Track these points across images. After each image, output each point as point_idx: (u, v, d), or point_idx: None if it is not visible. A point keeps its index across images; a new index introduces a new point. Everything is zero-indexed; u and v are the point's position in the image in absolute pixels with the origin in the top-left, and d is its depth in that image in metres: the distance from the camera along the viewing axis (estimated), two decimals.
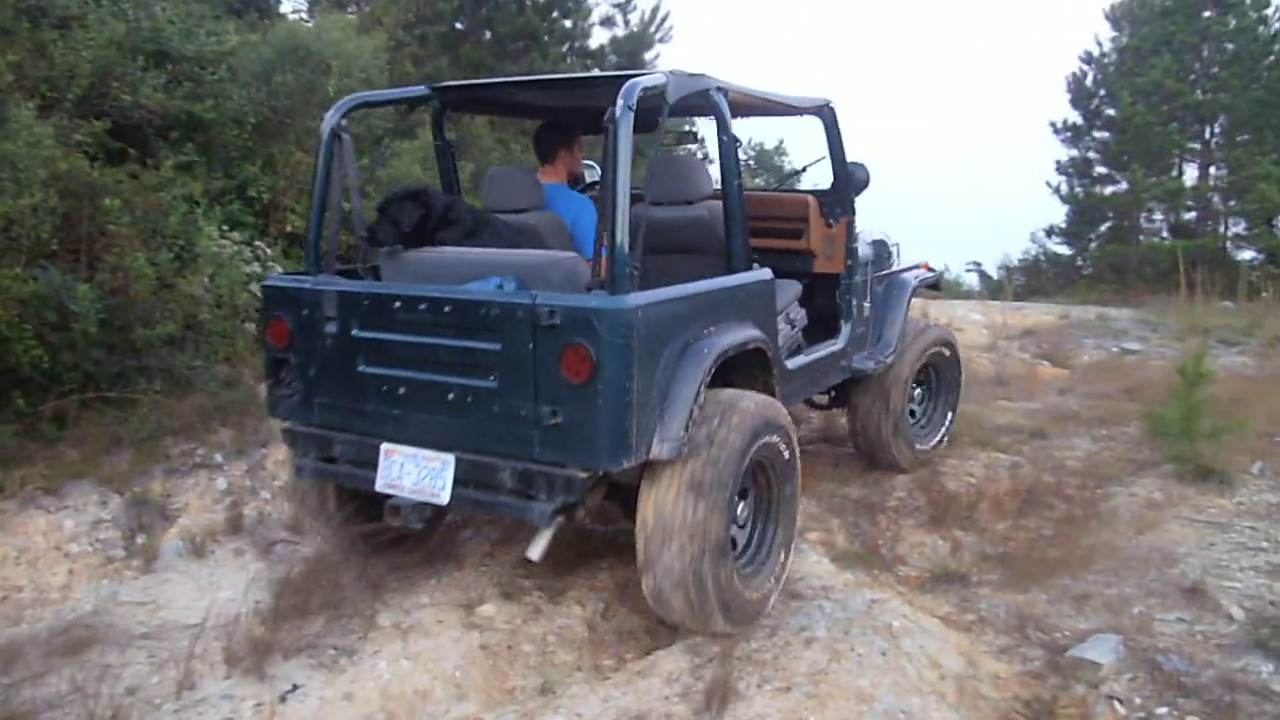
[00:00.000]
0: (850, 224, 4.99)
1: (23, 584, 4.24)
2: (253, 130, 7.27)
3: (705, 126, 8.36)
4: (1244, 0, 19.87)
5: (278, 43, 7.60)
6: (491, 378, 3.32)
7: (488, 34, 14.17)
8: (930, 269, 5.93)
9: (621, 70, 14.32)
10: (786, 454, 3.83)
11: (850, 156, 4.95)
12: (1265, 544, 4.59)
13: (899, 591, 4.23)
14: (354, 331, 3.63)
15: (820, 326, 4.92)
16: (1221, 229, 20.26)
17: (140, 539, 4.61)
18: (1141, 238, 20.95)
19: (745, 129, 4.09)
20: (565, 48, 14.64)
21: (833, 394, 5.52)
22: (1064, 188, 22.30)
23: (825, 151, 4.96)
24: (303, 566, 4.27)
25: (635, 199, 3.38)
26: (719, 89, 3.86)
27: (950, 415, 5.87)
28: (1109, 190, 21.70)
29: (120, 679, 3.41)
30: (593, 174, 5.39)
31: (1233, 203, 19.68)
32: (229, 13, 8.71)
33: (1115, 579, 4.27)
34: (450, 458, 3.45)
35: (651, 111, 3.47)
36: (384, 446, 3.60)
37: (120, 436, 5.07)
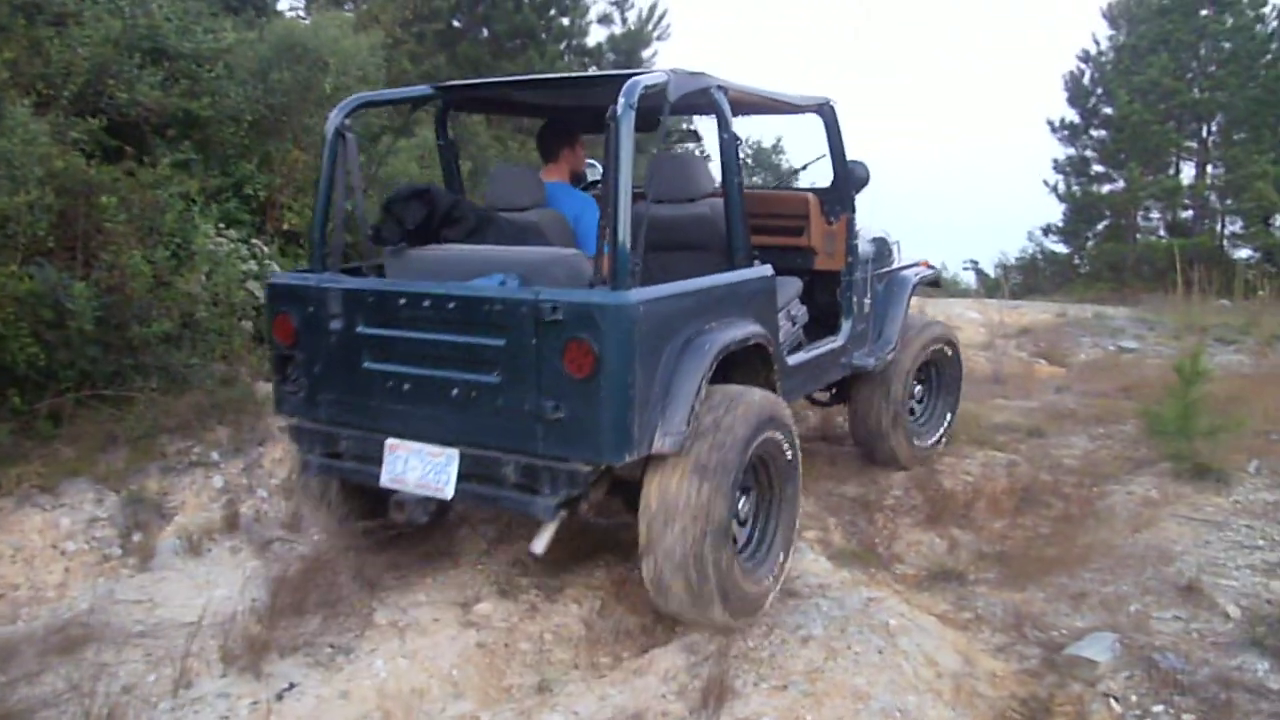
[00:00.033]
0: (850, 221, 5.02)
1: (19, 582, 4.23)
2: (249, 128, 7.25)
3: (702, 125, 8.38)
4: None
5: (274, 40, 7.57)
6: (495, 373, 3.36)
7: (485, 32, 14.15)
8: (930, 266, 5.95)
9: (619, 68, 14.34)
10: (789, 454, 3.86)
11: (850, 155, 4.98)
12: (1261, 542, 4.60)
13: (896, 590, 4.23)
14: (359, 328, 3.67)
15: (821, 323, 4.95)
16: (1218, 227, 20.28)
17: (136, 537, 4.60)
18: (1138, 236, 20.96)
19: (743, 127, 4.14)
20: (563, 45, 14.62)
21: (834, 391, 5.55)
22: (1061, 186, 22.31)
23: (825, 149, 4.99)
24: (299, 565, 4.27)
25: (637, 196, 3.42)
26: (719, 87, 3.89)
27: (950, 414, 5.89)
28: (1106, 189, 21.71)
29: (116, 677, 3.40)
30: (595, 173, 5.42)
31: (1229, 201, 19.69)
32: (226, 10, 8.68)
33: (1112, 577, 4.27)
34: (454, 452, 3.49)
35: (653, 110, 3.51)
36: (388, 442, 3.63)
37: (116, 434, 5.07)
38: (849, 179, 4.98)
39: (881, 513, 5.13)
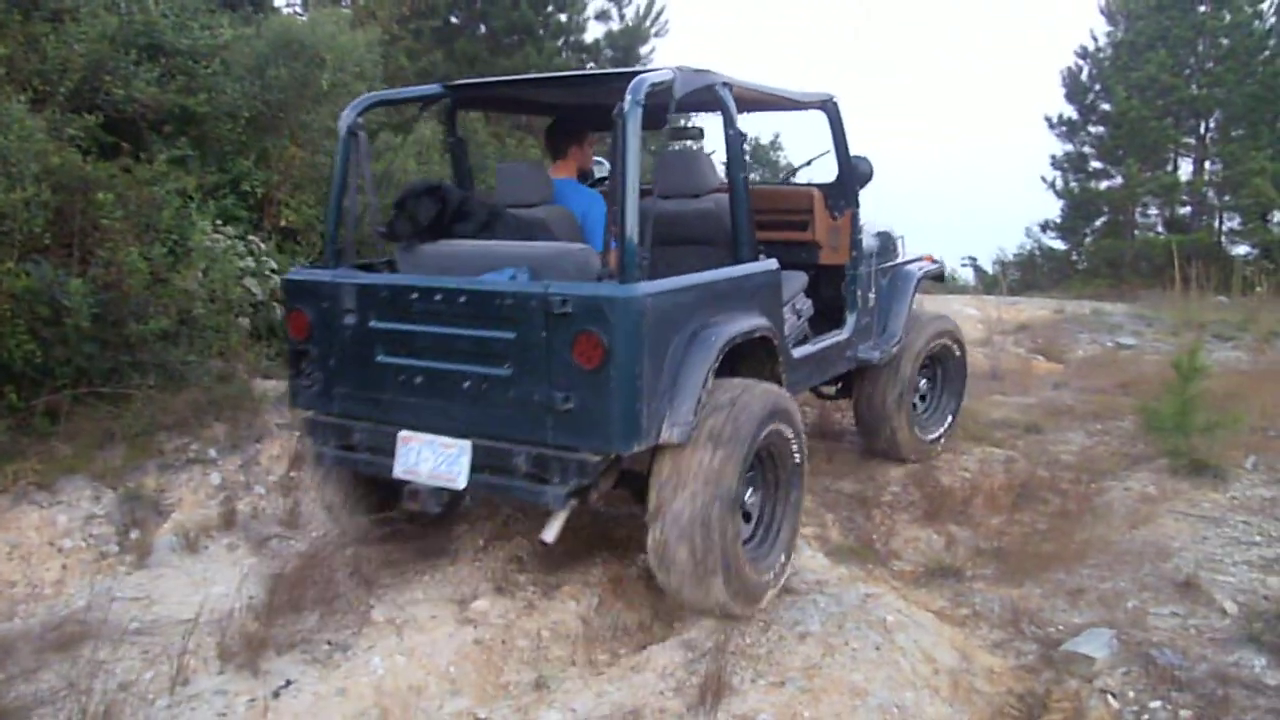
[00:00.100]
0: (855, 216, 5.08)
1: (16, 579, 4.23)
2: (246, 124, 7.24)
3: (701, 121, 8.37)
4: None
5: (271, 36, 7.56)
6: (506, 365, 3.42)
7: (482, 28, 14.12)
8: (934, 260, 6.00)
9: (617, 65, 14.33)
10: (796, 455, 3.94)
11: (853, 151, 5.03)
12: (1258, 538, 4.60)
13: (893, 586, 4.23)
14: (372, 323, 3.74)
15: (826, 317, 5.02)
16: (1216, 224, 20.25)
17: (134, 534, 4.60)
18: (1136, 232, 20.94)
19: (741, 124, 4.21)
20: (560, 42, 14.58)
21: (839, 385, 5.62)
22: (1059, 183, 22.28)
23: (829, 145, 5.04)
24: (297, 562, 4.27)
25: (644, 192, 3.49)
26: (725, 84, 3.96)
27: (954, 409, 5.92)
28: (1104, 185, 21.66)
29: (113, 675, 3.40)
30: (602, 170, 5.49)
31: (1227, 198, 19.66)
32: (222, 6, 8.65)
33: (1109, 573, 4.28)
34: (466, 444, 3.55)
35: (659, 107, 3.55)
36: (401, 434, 3.69)
37: (113, 431, 5.06)
38: (853, 174, 5.03)
39: (879, 509, 5.13)
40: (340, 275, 3.90)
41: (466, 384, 3.53)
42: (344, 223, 4.11)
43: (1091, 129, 22.22)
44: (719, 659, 3.34)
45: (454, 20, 14.07)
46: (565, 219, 4.30)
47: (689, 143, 4.86)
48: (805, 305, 4.82)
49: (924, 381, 5.78)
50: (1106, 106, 21.55)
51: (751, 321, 3.78)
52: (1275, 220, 19.08)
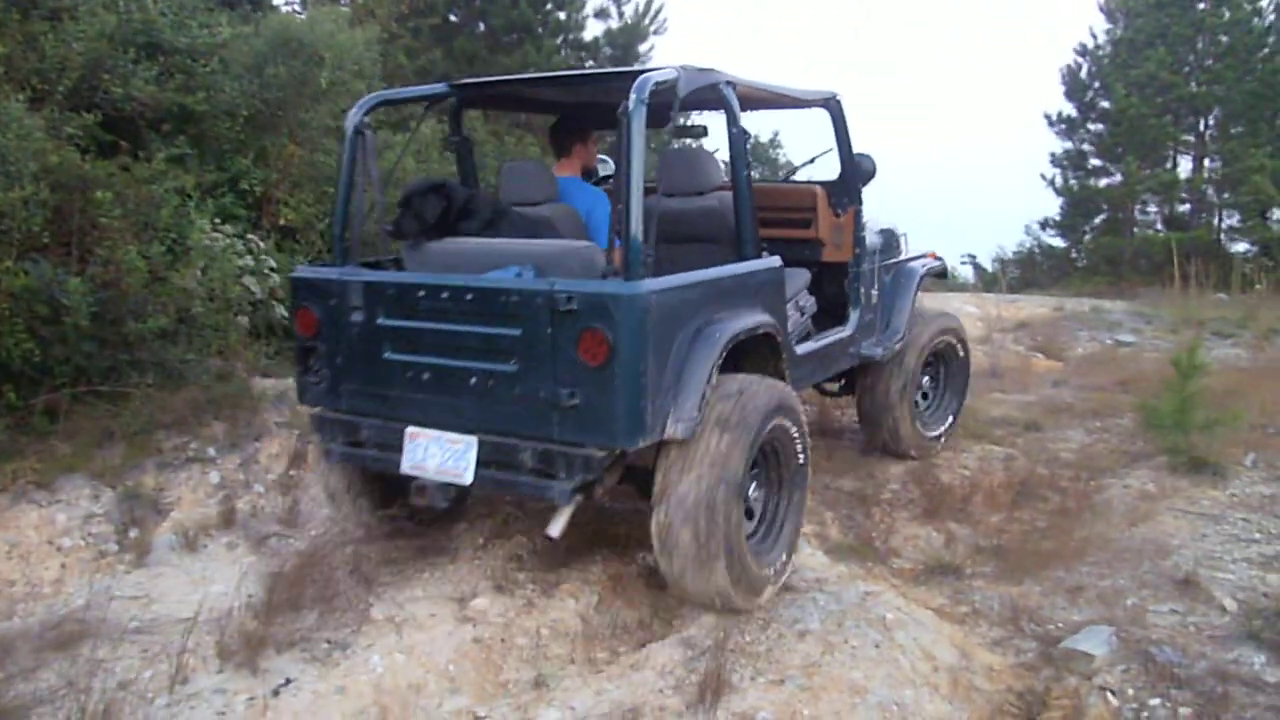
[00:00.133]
0: (857, 213, 5.11)
1: (14, 578, 4.23)
2: (245, 123, 7.23)
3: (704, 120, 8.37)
4: None
5: (270, 35, 7.55)
6: (512, 362, 3.46)
7: (481, 26, 14.11)
8: (937, 258, 6.02)
9: (616, 63, 14.33)
10: (800, 456, 3.98)
11: (856, 149, 5.05)
12: (1258, 535, 4.60)
13: (893, 584, 4.23)
14: (379, 320, 3.77)
15: (829, 314, 5.05)
16: (1215, 221, 20.25)
17: (133, 533, 4.59)
18: (1135, 230, 20.94)
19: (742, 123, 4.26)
20: (559, 40, 14.58)
21: (843, 381, 5.66)
22: (1058, 180, 22.28)
23: (831, 143, 5.06)
24: (296, 560, 4.27)
25: (648, 190, 3.54)
26: (728, 83, 3.99)
27: (957, 406, 5.92)
28: (1103, 183, 21.66)
29: (112, 673, 3.40)
30: (606, 168, 5.51)
31: (1227, 195, 19.66)
32: (221, 4, 8.65)
33: (1108, 571, 4.27)
34: (473, 439, 3.58)
35: (663, 106, 3.59)
36: (409, 430, 3.72)
37: (112, 430, 5.06)
38: (856, 172, 5.06)
39: (878, 507, 5.13)
40: (348, 273, 3.93)
41: (473, 380, 3.56)
42: (350, 221, 4.14)
43: (1091, 126, 22.23)
44: (718, 657, 3.34)
45: (453, 18, 14.07)
46: (570, 217, 4.33)
47: (692, 141, 4.87)
48: (808, 302, 4.85)
49: (926, 379, 5.79)
50: (1106, 104, 21.56)
51: (755, 318, 3.80)
52: (1274, 217, 19.09)
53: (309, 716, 3.21)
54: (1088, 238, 21.78)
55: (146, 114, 6.63)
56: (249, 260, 6.51)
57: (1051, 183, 22.28)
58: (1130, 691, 3.31)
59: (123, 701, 3.23)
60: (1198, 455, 5.42)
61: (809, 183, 5.35)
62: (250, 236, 6.79)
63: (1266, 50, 19.42)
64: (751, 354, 3.91)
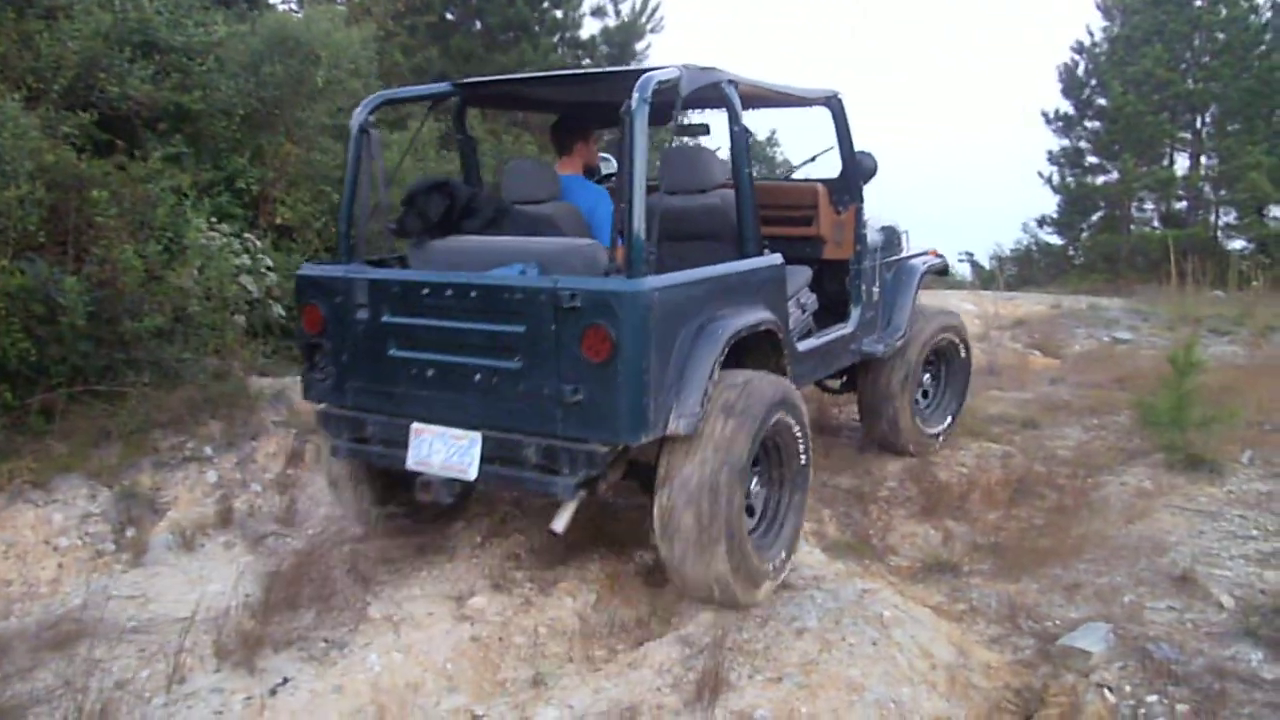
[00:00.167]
0: (859, 211, 5.14)
1: (11, 578, 4.22)
2: (241, 121, 7.23)
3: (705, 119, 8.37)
4: None
5: (266, 33, 7.55)
6: (516, 359, 3.49)
7: (478, 24, 14.11)
8: (938, 255, 6.03)
9: (613, 61, 14.32)
10: (803, 457, 4.01)
11: (857, 147, 5.07)
12: (1255, 532, 4.60)
13: (890, 581, 4.23)
14: (384, 317, 3.81)
15: (831, 311, 5.08)
16: (1212, 218, 20.28)
17: (129, 532, 4.59)
18: (1133, 227, 20.96)
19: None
20: (556, 38, 14.57)
21: (845, 379, 5.68)
22: (1055, 178, 22.30)
23: (831, 141, 5.09)
24: (293, 559, 4.27)
25: (651, 188, 3.56)
26: (730, 82, 4.02)
27: (956, 409, 5.93)
28: (1100, 180, 21.68)
29: (109, 673, 3.40)
30: (609, 166, 5.53)
31: (1223, 192, 19.69)
32: (217, 3, 8.63)
33: (1106, 568, 4.28)
34: (477, 435, 3.61)
35: (665, 104, 3.61)
36: (414, 426, 3.76)
37: (109, 429, 5.05)
38: (857, 170, 5.08)
39: (876, 505, 5.13)
40: (353, 270, 3.95)
41: (477, 377, 3.59)
42: (356, 219, 4.17)
43: (1088, 124, 22.25)
44: (716, 655, 3.34)
45: (449, 16, 14.06)
46: (572, 215, 4.36)
47: (693, 139, 4.90)
48: (810, 299, 4.88)
49: (927, 377, 5.80)
50: (1103, 101, 21.58)
51: (757, 315, 3.83)
52: (1271, 214, 19.10)
53: (306, 716, 3.21)
54: (1085, 235, 21.80)
55: (142, 113, 6.62)
56: (245, 259, 6.51)
57: (1049, 180, 22.31)
58: (1128, 688, 3.31)
59: (120, 701, 3.22)
60: (1195, 452, 5.42)
61: (811, 181, 5.37)
62: (247, 235, 6.79)
63: (1263, 47, 19.45)
64: (753, 351, 3.94)
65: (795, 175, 5.95)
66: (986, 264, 21.46)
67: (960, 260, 20.92)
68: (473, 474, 3.61)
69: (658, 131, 4.47)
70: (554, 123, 4.84)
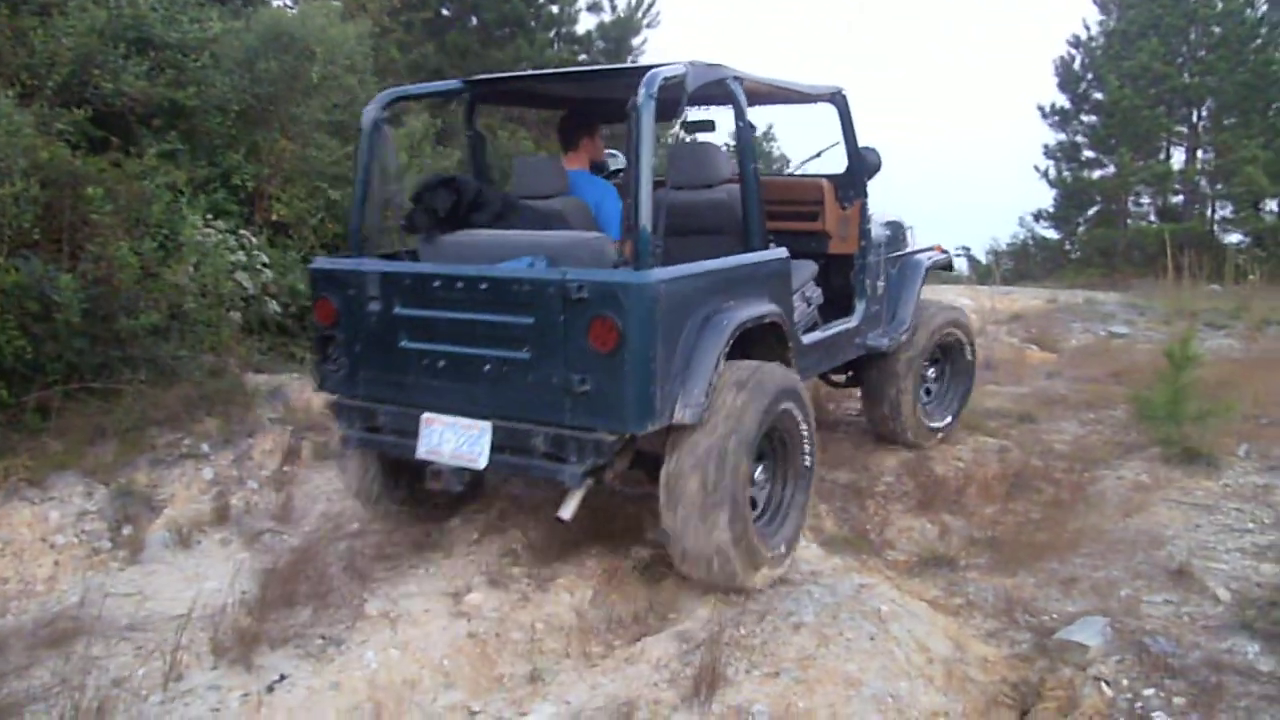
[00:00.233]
0: (864, 206, 5.18)
1: (8, 576, 4.22)
2: (236, 118, 7.21)
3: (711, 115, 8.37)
4: None
5: (261, 29, 7.53)
6: (525, 349, 3.53)
7: (474, 20, 14.09)
8: (943, 250, 6.05)
9: (609, 56, 14.31)
10: (807, 458, 4.05)
11: (861, 142, 5.10)
12: (1251, 525, 4.61)
13: (887, 576, 4.24)
14: (396, 309, 3.85)
15: (836, 305, 5.12)
16: (1208, 212, 20.30)
17: (126, 530, 4.58)
18: (1129, 221, 20.98)
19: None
20: (552, 34, 14.56)
21: (849, 373, 5.72)
22: (1052, 172, 22.32)
23: (835, 137, 5.13)
24: (289, 556, 4.27)
25: (658, 183, 3.60)
26: (735, 78, 4.05)
27: (958, 408, 5.93)
28: (1097, 174, 21.71)
29: (106, 671, 3.39)
30: (616, 162, 5.58)
31: (1220, 186, 19.71)
32: None
33: (1102, 562, 4.28)
34: (487, 425, 3.66)
35: (671, 101, 3.64)
36: (425, 416, 3.81)
37: (105, 427, 5.04)
38: (862, 165, 5.12)
39: (873, 499, 5.13)
40: (365, 264, 3.99)
41: (487, 367, 3.63)
42: (368, 213, 4.21)
43: (1084, 118, 22.27)
44: (713, 650, 3.34)
45: (445, 12, 14.05)
46: (580, 209, 4.41)
47: (686, 136, 4.92)
48: (815, 293, 4.92)
49: (932, 372, 5.80)
50: (1099, 95, 21.59)
51: (762, 307, 3.87)
52: (1267, 208, 19.12)
53: (303, 713, 3.21)
54: (1081, 229, 21.82)
55: (137, 109, 6.60)
56: (241, 256, 6.50)
57: (1045, 175, 22.34)
58: (1124, 682, 3.31)
59: (116, 699, 3.22)
60: (1191, 446, 5.43)
61: (816, 176, 5.38)
62: (242, 232, 6.77)
63: (1259, 41, 19.46)
64: (759, 343, 3.98)
65: (800, 171, 5.96)
66: (983, 259, 21.48)
67: (957, 255, 20.90)
68: (483, 463, 3.65)
69: (663, 128, 4.50)
70: (560, 119, 4.89)
